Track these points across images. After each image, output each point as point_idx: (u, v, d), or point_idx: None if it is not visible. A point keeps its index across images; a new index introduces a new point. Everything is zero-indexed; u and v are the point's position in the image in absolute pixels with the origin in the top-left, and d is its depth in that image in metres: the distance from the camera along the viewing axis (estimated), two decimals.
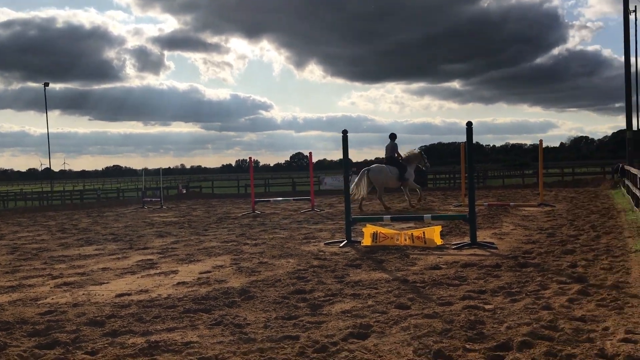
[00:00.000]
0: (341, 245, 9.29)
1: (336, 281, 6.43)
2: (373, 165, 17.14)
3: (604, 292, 5.41)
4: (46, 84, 50.52)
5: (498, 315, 4.78)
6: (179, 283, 6.68)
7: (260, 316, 5.03)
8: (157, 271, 7.62)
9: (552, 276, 6.27)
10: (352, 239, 9.58)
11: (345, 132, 9.34)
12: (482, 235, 9.85)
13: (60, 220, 18.50)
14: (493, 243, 8.87)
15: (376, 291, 5.87)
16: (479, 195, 22.43)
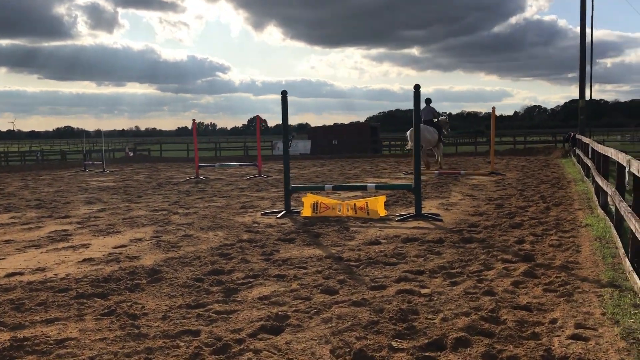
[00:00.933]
0: (279, 216, 8.61)
1: (262, 259, 5.76)
2: (423, 125, 16.80)
3: (552, 274, 4.92)
4: None
5: (434, 303, 4.21)
6: (85, 260, 5.89)
7: (163, 304, 4.33)
8: (67, 245, 6.80)
9: (498, 254, 5.76)
10: (293, 209, 8.93)
11: (284, 93, 8.58)
12: (429, 206, 9.35)
13: None
14: (439, 215, 8.35)
15: (304, 271, 5.24)
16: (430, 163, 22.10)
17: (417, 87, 8.06)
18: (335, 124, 34.15)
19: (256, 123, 19.37)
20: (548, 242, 6.27)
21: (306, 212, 8.51)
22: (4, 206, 11.00)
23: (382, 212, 8.38)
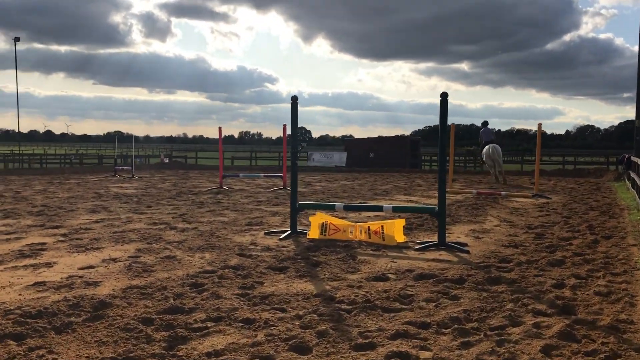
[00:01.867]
0: (282, 236, 7.63)
1: (238, 294, 4.77)
2: (495, 144, 18.80)
3: (597, 338, 3.77)
4: (17, 39, 47.75)
5: None
6: (35, 284, 5.03)
7: (84, 354, 3.39)
8: (31, 262, 5.98)
9: (529, 302, 4.62)
10: (301, 229, 7.94)
11: (294, 99, 7.61)
12: (458, 232, 8.21)
13: (10, 186, 16.90)
14: (466, 245, 7.20)
15: (281, 315, 4.23)
16: (472, 181, 20.77)
17: (444, 96, 6.98)
18: (376, 137, 32.95)
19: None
20: (594, 289, 5.07)
21: (313, 233, 7.52)
22: (6, 212, 10.40)
23: (400, 238, 7.30)
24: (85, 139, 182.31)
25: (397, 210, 8.68)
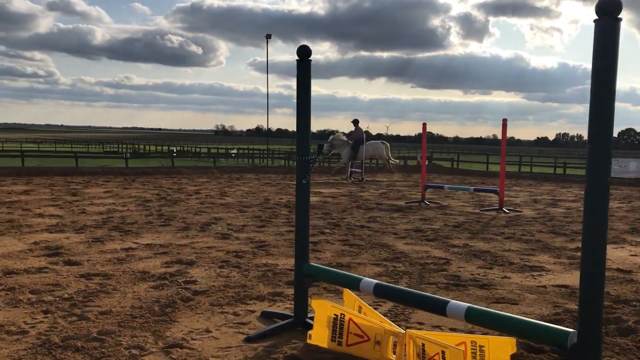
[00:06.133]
0: (271, 326, 3.91)
1: None
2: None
3: None
4: (268, 36, 50.01)
5: None
6: None
7: None
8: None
9: None
10: (311, 314, 4.10)
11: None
12: None
13: (228, 184, 16.04)
14: None
15: None
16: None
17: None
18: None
19: None
20: None
21: (318, 336, 3.63)
22: (166, 219, 8.84)
23: None
24: (398, 139, 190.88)
25: (482, 322, 3.10)
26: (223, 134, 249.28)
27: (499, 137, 23.31)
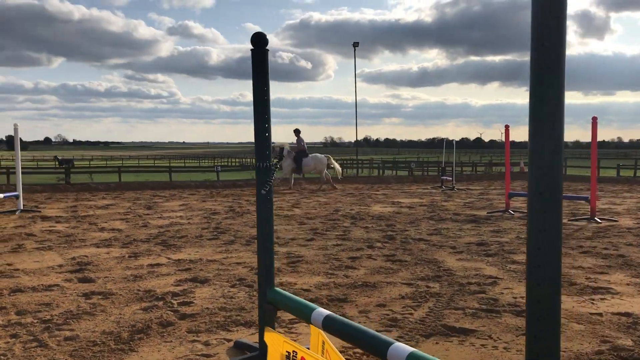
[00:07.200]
0: (238, 359, 3.37)
1: None
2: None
3: None
4: (356, 44, 48.55)
5: None
6: None
7: None
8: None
9: None
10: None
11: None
12: None
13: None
14: None
15: None
16: None
17: None
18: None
19: None
20: None
21: None
22: (219, 232, 8.73)
23: None
24: (513, 145, 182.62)
25: None
26: (331, 145, 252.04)
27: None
